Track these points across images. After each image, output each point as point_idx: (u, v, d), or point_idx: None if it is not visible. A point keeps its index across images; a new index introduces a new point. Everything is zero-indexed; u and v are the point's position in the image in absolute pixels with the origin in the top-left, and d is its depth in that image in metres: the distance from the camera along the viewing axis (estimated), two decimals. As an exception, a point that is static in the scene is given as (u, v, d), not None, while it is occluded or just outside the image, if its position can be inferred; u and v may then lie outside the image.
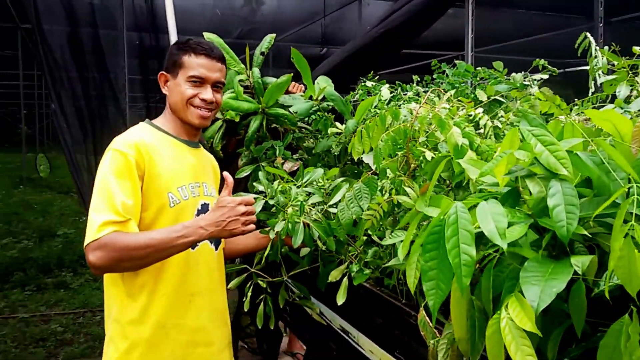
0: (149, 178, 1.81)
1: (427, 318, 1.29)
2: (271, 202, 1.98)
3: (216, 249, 2.02)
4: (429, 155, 1.59)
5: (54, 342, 4.75)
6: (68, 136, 2.77)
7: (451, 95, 1.94)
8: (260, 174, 2.09)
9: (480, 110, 1.74)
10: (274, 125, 2.55)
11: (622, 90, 1.83)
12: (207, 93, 1.92)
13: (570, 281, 0.99)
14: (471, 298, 1.14)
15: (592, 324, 1.08)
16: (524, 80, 2.41)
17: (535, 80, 2.44)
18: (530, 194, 1.09)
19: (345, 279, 1.90)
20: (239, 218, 1.74)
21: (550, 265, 1.02)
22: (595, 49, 2.17)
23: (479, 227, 1.04)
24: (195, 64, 1.91)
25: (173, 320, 1.86)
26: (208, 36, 2.56)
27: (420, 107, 1.70)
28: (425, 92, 2.69)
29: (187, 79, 1.91)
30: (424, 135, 1.70)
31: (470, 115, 1.78)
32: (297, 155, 2.60)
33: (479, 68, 2.78)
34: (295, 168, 2.43)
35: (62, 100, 2.77)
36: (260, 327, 2.24)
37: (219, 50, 1.99)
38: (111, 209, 1.69)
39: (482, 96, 2.04)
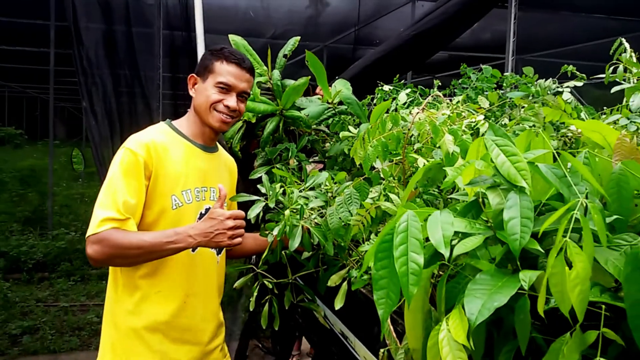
0: (155, 178, 1.87)
1: (391, 327, 1.28)
2: (271, 204, 1.98)
3: (218, 253, 2.07)
4: (421, 161, 1.57)
5: (89, 332, 4.92)
6: (97, 133, 2.88)
7: (459, 102, 1.91)
8: (264, 177, 2.10)
9: (482, 117, 1.70)
10: (292, 127, 2.57)
11: (636, 100, 1.76)
12: (232, 101, 1.98)
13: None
14: (430, 308, 1.13)
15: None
16: (557, 87, 2.35)
17: (568, 87, 2.37)
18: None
19: (345, 283, 1.89)
20: (226, 232, 1.80)
21: (502, 279, 1.00)
22: (631, 56, 2.09)
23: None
24: (225, 71, 1.97)
25: (165, 317, 1.92)
26: (233, 38, 2.60)
27: (418, 112, 1.68)
28: (447, 97, 2.66)
29: (215, 84, 1.97)
30: (420, 142, 1.69)
31: (473, 122, 1.74)
32: (318, 157, 2.60)
33: (506, 73, 2.72)
34: (320, 167, 2.45)
35: (92, 98, 2.88)
36: (276, 329, 2.26)
37: (250, 62, 2.05)
38: (114, 206, 1.77)
39: (484, 103, 1.99)
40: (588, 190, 1.02)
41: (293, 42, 2.72)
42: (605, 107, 2.15)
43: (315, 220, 1.90)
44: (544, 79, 2.49)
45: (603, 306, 0.94)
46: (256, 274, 2.18)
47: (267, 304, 2.15)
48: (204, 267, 2.01)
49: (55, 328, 5.01)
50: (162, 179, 1.88)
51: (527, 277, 0.96)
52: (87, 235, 1.75)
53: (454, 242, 1.07)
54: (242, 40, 2.65)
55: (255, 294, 2.15)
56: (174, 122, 2.07)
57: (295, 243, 1.84)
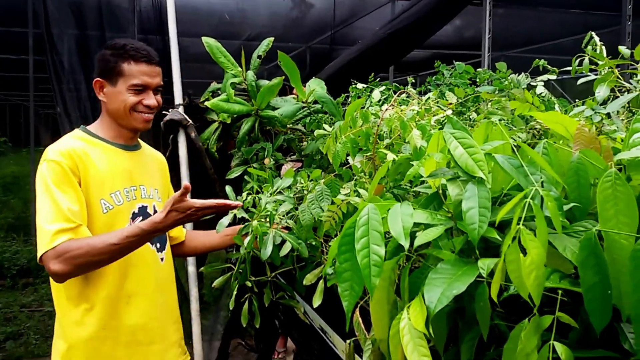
0: (83, 185, 1.84)
1: (360, 319, 1.30)
2: (239, 215, 2.00)
3: (160, 250, 2.05)
4: (390, 157, 1.59)
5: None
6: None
7: (429, 98, 1.93)
8: (228, 188, 2.11)
9: (450, 112, 1.72)
10: (268, 127, 2.58)
11: (602, 91, 1.79)
12: (151, 99, 1.95)
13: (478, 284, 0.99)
14: (395, 299, 1.15)
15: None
16: (530, 81, 2.38)
17: (542, 81, 2.40)
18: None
19: (321, 281, 1.91)
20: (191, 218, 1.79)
21: (463, 267, 1.02)
22: (601, 50, 2.12)
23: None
24: (137, 71, 1.91)
25: (111, 322, 1.89)
26: (206, 40, 2.61)
27: (387, 109, 1.70)
28: (422, 94, 2.69)
29: (128, 88, 1.91)
30: (391, 138, 1.71)
31: (442, 118, 1.77)
32: (295, 156, 2.62)
33: (479, 69, 2.76)
34: (298, 166, 2.46)
35: (66, 103, 2.89)
36: (257, 326, 2.28)
37: (155, 53, 1.99)
38: (60, 217, 1.73)
39: (452, 98, 2.02)
40: (543, 179, 1.04)
41: (267, 42, 2.73)
42: (576, 100, 2.19)
43: (287, 224, 1.92)
44: (517, 74, 2.53)
45: (559, 291, 0.96)
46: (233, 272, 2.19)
47: (246, 302, 2.17)
48: (144, 266, 1.97)
49: (40, 333, 5.01)
50: (87, 184, 1.85)
51: (485, 264, 0.98)
52: (41, 253, 1.70)
53: (418, 234, 1.10)
54: (215, 42, 2.66)
55: (234, 292, 2.15)
56: (89, 127, 2.02)
57: (267, 251, 1.85)
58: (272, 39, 2.74)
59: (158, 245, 2.05)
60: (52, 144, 1.90)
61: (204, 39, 2.62)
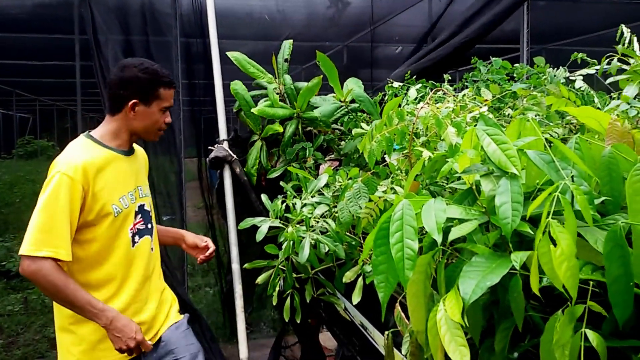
0: (92, 195, 2.03)
1: (402, 313, 1.34)
2: (275, 222, 2.12)
3: (152, 241, 2.30)
4: (426, 154, 1.62)
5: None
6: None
7: (465, 95, 1.96)
8: (264, 197, 2.22)
9: (485, 109, 1.74)
10: (309, 128, 2.64)
11: (630, 91, 1.78)
12: (169, 117, 2.24)
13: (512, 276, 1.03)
14: (432, 292, 1.18)
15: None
16: (569, 76, 2.37)
17: (581, 75, 2.39)
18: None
19: (360, 278, 1.95)
20: (127, 344, 1.99)
21: (496, 260, 1.05)
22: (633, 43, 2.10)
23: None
24: (169, 95, 2.21)
25: (120, 306, 2.10)
26: (231, 55, 2.70)
27: (422, 107, 1.73)
28: (457, 90, 2.70)
29: (160, 109, 2.18)
30: (427, 135, 1.74)
31: (477, 114, 1.79)
32: (334, 155, 2.67)
33: (516, 64, 2.75)
34: (336, 165, 2.51)
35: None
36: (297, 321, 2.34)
37: None
38: (51, 233, 1.93)
39: (487, 94, 2.03)
40: (574, 174, 1.07)
41: (288, 45, 2.81)
42: (612, 93, 2.17)
43: (324, 226, 1.97)
44: (554, 68, 2.52)
45: (591, 282, 0.99)
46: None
47: (288, 297, 2.23)
48: (145, 257, 2.22)
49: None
50: (99, 193, 2.04)
51: (518, 257, 1.01)
52: (23, 251, 1.91)
53: (453, 229, 1.13)
54: (240, 54, 2.77)
55: (277, 288, 2.21)
56: (94, 134, 2.18)
57: (304, 255, 1.92)
58: (291, 41, 2.82)
59: (151, 237, 2.29)
60: (64, 153, 2.08)
61: (230, 54, 2.72)
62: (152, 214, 2.34)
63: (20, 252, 1.92)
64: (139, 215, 2.22)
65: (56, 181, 1.97)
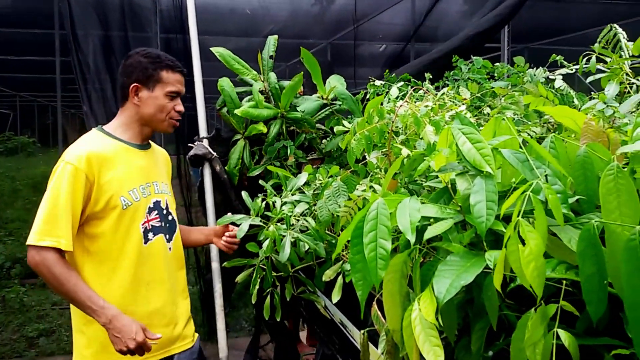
0: (98, 186, 1.99)
1: (379, 312, 1.34)
2: (256, 221, 2.11)
3: (169, 241, 2.20)
4: (405, 152, 1.62)
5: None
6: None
7: (444, 93, 1.96)
8: (244, 194, 2.24)
9: (463, 107, 1.75)
10: (292, 127, 2.62)
11: (611, 89, 1.79)
12: (181, 105, 2.14)
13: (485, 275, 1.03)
14: (408, 291, 1.18)
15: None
16: (548, 75, 2.38)
17: (560, 74, 2.40)
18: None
19: (340, 277, 1.95)
20: (127, 345, 1.89)
21: (471, 259, 1.05)
22: (623, 42, 2.11)
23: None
24: (174, 80, 2.11)
25: (129, 307, 2.02)
26: (216, 50, 2.68)
27: (401, 105, 1.73)
28: (437, 89, 2.70)
29: (166, 94, 2.09)
30: (406, 133, 1.74)
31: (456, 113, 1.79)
32: (316, 154, 2.66)
33: (497, 64, 2.76)
34: (318, 164, 2.51)
35: (92, 102, 2.99)
36: (278, 319, 2.33)
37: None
38: (53, 223, 1.90)
39: (466, 93, 2.04)
40: (549, 173, 1.07)
41: (273, 41, 2.78)
42: (592, 93, 2.18)
43: (304, 224, 1.97)
44: (535, 68, 2.53)
45: (564, 281, 0.99)
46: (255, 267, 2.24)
47: (268, 295, 2.22)
48: (159, 255, 2.13)
49: (71, 329, 5.10)
50: (106, 184, 1.99)
51: (492, 256, 1.01)
52: (28, 240, 1.90)
53: (429, 227, 1.13)
54: (225, 50, 2.74)
55: (257, 287, 2.20)
56: (106, 128, 2.15)
57: (285, 254, 1.91)
58: (276, 36, 2.79)
59: (167, 236, 2.19)
60: (72, 145, 2.05)
61: (214, 49, 2.70)
62: (174, 214, 2.26)
63: (27, 242, 1.91)
64: (155, 212, 2.15)
65: (60, 171, 1.95)
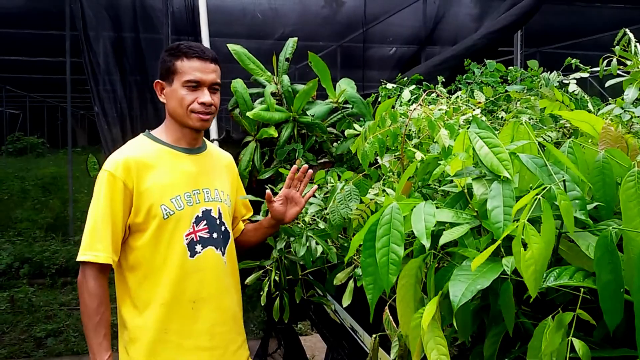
0: (138, 194, 1.87)
1: (391, 317, 1.32)
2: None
3: (223, 254, 2.02)
4: (418, 156, 1.61)
5: (111, 333, 5.01)
6: (109, 138, 3.00)
7: (458, 97, 1.94)
8: (250, 197, 2.21)
9: (478, 111, 1.73)
10: (303, 131, 2.61)
11: (630, 93, 1.77)
12: (205, 96, 1.91)
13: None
14: (422, 296, 1.17)
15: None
16: (562, 79, 2.36)
17: (574, 79, 2.38)
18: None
19: (351, 281, 1.93)
20: None
21: (488, 265, 1.04)
22: (636, 46, 2.09)
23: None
24: (189, 67, 1.90)
25: (174, 327, 1.91)
26: (232, 47, 2.65)
27: (415, 108, 1.72)
28: (450, 92, 2.69)
29: (183, 84, 1.90)
30: (420, 137, 1.72)
31: (470, 117, 1.77)
32: (327, 157, 2.65)
33: (510, 67, 2.74)
34: (328, 168, 2.50)
35: (103, 103, 2.99)
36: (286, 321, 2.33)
37: (211, 52, 1.97)
38: (93, 236, 1.83)
39: (481, 97, 2.02)
40: (567, 179, 1.05)
41: (292, 44, 2.73)
42: (610, 98, 2.16)
43: (317, 227, 1.96)
44: (548, 72, 2.51)
45: (582, 289, 0.97)
46: (266, 270, 2.23)
47: (277, 298, 2.21)
48: (210, 270, 1.97)
49: (79, 330, 5.13)
50: (145, 192, 1.87)
51: (509, 262, 1.00)
52: (79, 256, 1.82)
53: (444, 232, 1.12)
54: (241, 48, 2.69)
55: (266, 289, 2.19)
56: (153, 132, 2.03)
57: (302, 249, 1.90)
58: (296, 39, 2.74)
59: (220, 249, 2.01)
60: (115, 151, 1.95)
61: (230, 46, 2.65)
62: (228, 224, 2.05)
63: (78, 257, 1.84)
64: (204, 222, 1.96)
65: (98, 180, 1.86)
